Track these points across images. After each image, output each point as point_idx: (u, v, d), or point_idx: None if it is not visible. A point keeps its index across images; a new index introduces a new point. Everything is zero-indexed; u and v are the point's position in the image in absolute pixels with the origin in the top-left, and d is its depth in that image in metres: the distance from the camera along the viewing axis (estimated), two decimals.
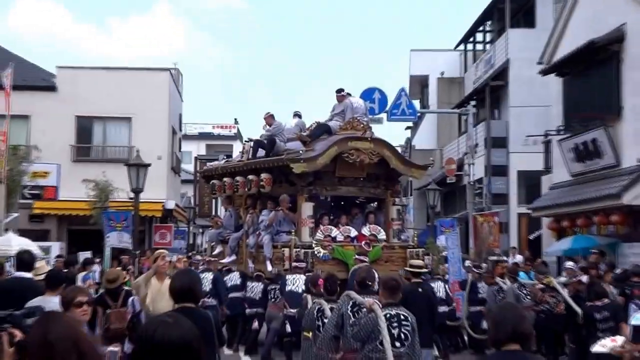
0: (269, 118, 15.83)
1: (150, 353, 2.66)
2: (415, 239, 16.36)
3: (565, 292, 11.88)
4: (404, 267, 14.26)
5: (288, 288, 13.06)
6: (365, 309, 6.98)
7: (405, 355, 6.78)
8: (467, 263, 16.82)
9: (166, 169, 27.21)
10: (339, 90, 15.82)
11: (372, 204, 17.05)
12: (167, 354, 2.66)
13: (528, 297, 12.99)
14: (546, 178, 23.34)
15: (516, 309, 4.14)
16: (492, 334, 4.08)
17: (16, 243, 16.40)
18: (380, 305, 6.83)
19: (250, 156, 16.11)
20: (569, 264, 14.45)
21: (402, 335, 6.76)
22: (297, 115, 16.67)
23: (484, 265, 16.40)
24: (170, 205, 27.40)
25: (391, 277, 7.65)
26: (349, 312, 7.42)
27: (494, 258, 20.88)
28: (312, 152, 14.63)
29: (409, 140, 41.89)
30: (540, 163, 24.92)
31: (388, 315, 6.73)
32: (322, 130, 15.55)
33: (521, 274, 15.78)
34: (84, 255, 18.52)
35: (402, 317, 6.82)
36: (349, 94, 16.05)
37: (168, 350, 2.67)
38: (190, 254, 26.14)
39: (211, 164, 18.76)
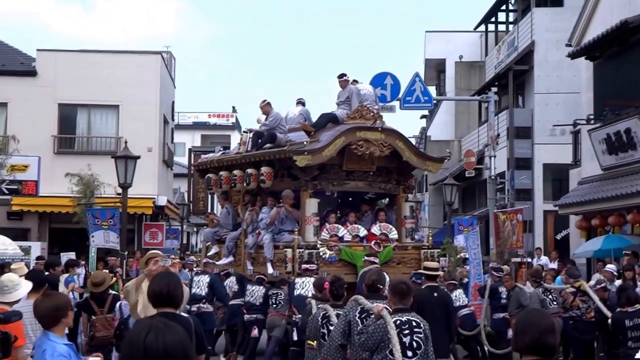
0: (266, 106, 15.77)
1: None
2: (431, 238, 16.36)
3: (596, 297, 11.89)
4: (418, 270, 14.33)
5: (297, 292, 13.03)
6: (373, 316, 6.97)
7: None
8: (492, 264, 16.81)
9: (157, 162, 27.20)
10: (341, 75, 15.81)
11: (382, 201, 17.02)
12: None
13: (554, 302, 13.01)
14: (575, 172, 23.29)
15: (542, 318, 4.15)
16: (513, 342, 4.16)
17: None
18: (390, 311, 6.81)
19: (249, 148, 16.09)
20: (610, 266, 14.36)
21: (414, 344, 6.73)
22: (300, 102, 16.65)
23: (505, 267, 16.41)
24: (162, 201, 27.42)
25: (401, 280, 7.62)
26: (357, 318, 7.41)
27: (517, 260, 20.91)
28: (317, 144, 14.55)
29: (424, 131, 41.93)
30: (568, 155, 24.88)
31: (398, 321, 6.70)
32: (327, 119, 15.48)
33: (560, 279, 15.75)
34: (67, 256, 18.57)
35: (414, 323, 6.79)
36: (355, 81, 16.02)
37: (161, 356, 2.66)
38: (183, 254, 26.19)
39: (206, 156, 18.77)
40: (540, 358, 4.01)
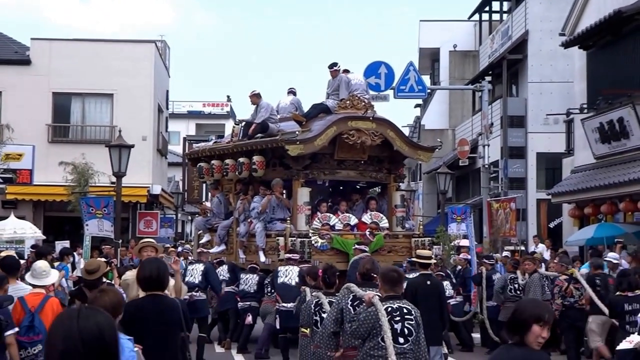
0: (254, 97, 15.81)
1: (65, 345, 2.63)
2: (421, 227, 16.45)
3: (587, 285, 11.97)
4: (410, 258, 14.45)
5: (280, 280, 13.13)
6: (364, 303, 6.97)
7: (410, 352, 6.72)
8: (506, 253, 16.83)
9: (151, 151, 27.18)
10: (331, 65, 15.89)
11: (376, 189, 17.07)
12: (84, 345, 2.63)
13: (547, 289, 13.13)
14: (568, 161, 23.32)
15: (538, 308, 4.19)
16: (506, 331, 4.20)
17: (10, 227, 16.69)
18: (381, 299, 6.81)
19: (240, 137, 16.12)
20: (612, 255, 14.30)
21: (406, 331, 6.72)
22: (291, 92, 16.68)
23: (496, 255, 16.49)
24: (156, 190, 27.39)
25: (391, 268, 7.64)
26: (349, 306, 7.40)
27: (511, 248, 20.96)
28: (309, 133, 14.62)
29: (418, 120, 41.95)
30: (561, 144, 24.90)
31: (389, 308, 6.69)
32: (319, 109, 15.57)
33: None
34: (61, 244, 18.55)
35: (405, 310, 6.79)
36: (347, 70, 16.06)
37: (97, 336, 2.65)
38: (177, 243, 26.20)
39: (198, 145, 18.81)
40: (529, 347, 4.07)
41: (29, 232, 17.04)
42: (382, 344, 6.59)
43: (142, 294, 7.43)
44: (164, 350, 6.02)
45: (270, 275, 14.11)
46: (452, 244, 19.42)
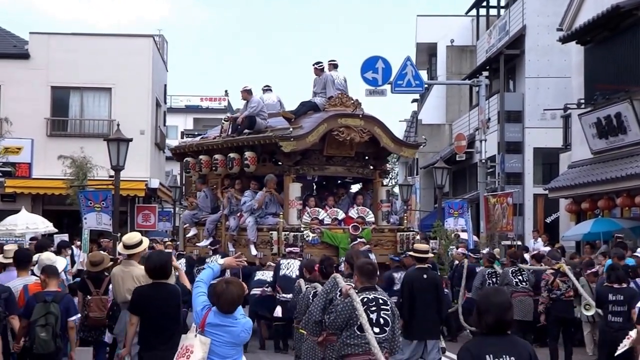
0: (245, 93, 16.01)
1: None
2: (405, 222, 16.76)
3: (575, 279, 12.12)
4: (393, 253, 14.85)
5: (282, 272, 13.36)
6: (340, 295, 7.11)
7: (386, 342, 6.80)
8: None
9: (149, 145, 27.18)
10: (316, 63, 16.19)
11: (356, 184, 17.46)
12: None
13: (524, 282, 13.38)
14: (565, 156, 23.36)
15: (499, 297, 4.43)
16: (476, 322, 4.43)
17: (22, 221, 16.77)
18: (356, 291, 6.92)
19: (229, 133, 16.31)
20: None
21: (382, 320, 6.79)
22: (268, 89, 16.94)
23: (496, 250, 16.61)
24: (154, 184, 27.41)
25: (367, 261, 7.76)
26: (338, 297, 7.54)
27: (507, 242, 21.02)
28: (300, 130, 14.92)
29: (415, 114, 41.92)
30: (558, 139, 24.94)
31: (365, 299, 6.79)
32: (308, 107, 15.92)
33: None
34: (60, 237, 18.55)
35: (380, 301, 6.87)
36: (334, 66, 16.26)
37: None
38: (175, 237, 26.20)
39: (183, 140, 19.07)
40: (501, 334, 4.34)
41: (41, 226, 17.11)
42: (358, 333, 6.70)
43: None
44: (166, 329, 6.97)
45: (263, 267, 14.33)
46: (454, 234, 19.55)
